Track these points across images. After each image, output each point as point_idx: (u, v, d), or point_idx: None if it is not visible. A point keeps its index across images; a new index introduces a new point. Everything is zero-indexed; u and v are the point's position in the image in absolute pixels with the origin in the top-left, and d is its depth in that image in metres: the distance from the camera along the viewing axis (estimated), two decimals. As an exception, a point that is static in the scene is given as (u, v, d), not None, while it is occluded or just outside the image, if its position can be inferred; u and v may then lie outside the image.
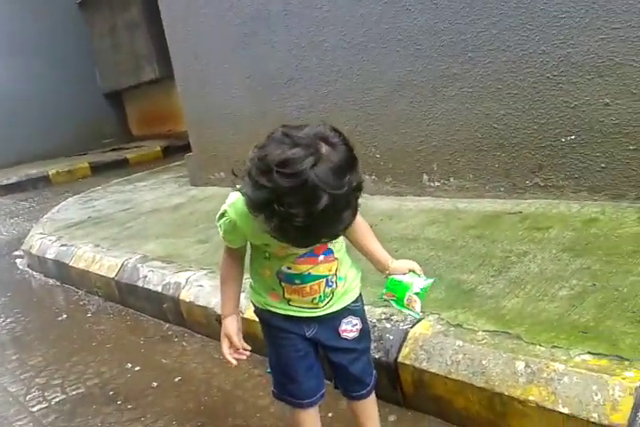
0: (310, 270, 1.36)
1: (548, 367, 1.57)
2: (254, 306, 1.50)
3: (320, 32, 3.75)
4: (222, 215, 1.34)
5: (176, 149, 8.62)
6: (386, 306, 2.08)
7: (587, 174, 2.81)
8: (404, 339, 1.90)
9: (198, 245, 3.28)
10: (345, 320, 1.47)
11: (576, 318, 1.79)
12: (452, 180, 3.36)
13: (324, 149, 1.08)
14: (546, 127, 2.88)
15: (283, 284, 1.39)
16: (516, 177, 3.06)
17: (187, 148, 5.56)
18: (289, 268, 1.36)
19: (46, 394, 2.37)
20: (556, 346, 1.65)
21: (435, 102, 3.29)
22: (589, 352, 1.58)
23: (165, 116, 10.39)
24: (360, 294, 1.52)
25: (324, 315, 1.43)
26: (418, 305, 1.49)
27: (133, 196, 5.43)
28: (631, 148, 2.64)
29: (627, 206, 2.65)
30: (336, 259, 1.40)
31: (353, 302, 1.48)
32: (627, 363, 1.50)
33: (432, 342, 1.83)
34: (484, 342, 1.75)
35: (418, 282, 1.49)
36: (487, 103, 3.06)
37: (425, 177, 3.48)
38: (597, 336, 1.66)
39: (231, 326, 1.47)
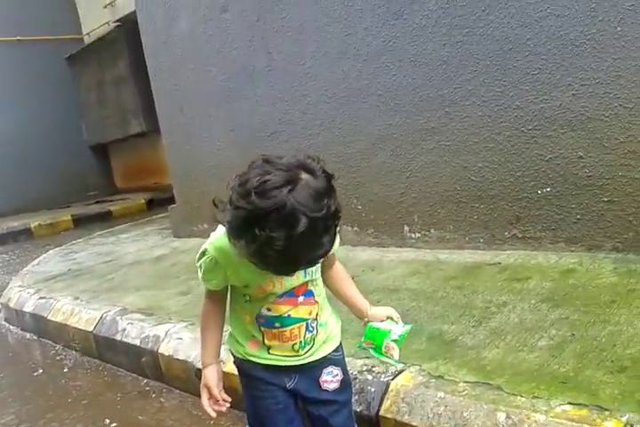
0: (290, 312, 1.36)
1: (529, 418, 1.56)
2: (234, 356, 1.48)
3: (303, 87, 3.86)
4: (203, 254, 1.34)
5: (161, 201, 8.63)
6: (367, 357, 2.07)
7: (563, 226, 2.86)
8: (386, 391, 1.88)
9: (180, 297, 3.25)
10: (326, 370, 1.46)
11: (556, 367, 1.80)
12: (432, 231, 3.40)
13: (303, 175, 1.12)
14: (522, 180, 2.95)
15: (262, 328, 1.38)
16: (495, 228, 3.11)
17: (171, 200, 5.58)
18: (269, 309, 1.35)
19: (17, 454, 2.29)
20: (536, 396, 1.65)
21: (414, 155, 3.37)
22: (570, 402, 1.58)
23: (151, 168, 10.46)
24: (340, 344, 1.52)
25: (304, 364, 1.42)
26: (396, 353, 1.50)
27: (115, 248, 5.40)
28: (605, 199, 2.70)
29: (603, 257, 2.70)
30: (316, 302, 1.40)
31: (334, 352, 1.48)
32: (607, 413, 1.50)
33: (413, 393, 1.82)
34: (465, 393, 1.74)
35: (396, 329, 1.50)
36: (465, 156, 3.14)
37: (406, 228, 3.52)
38: (577, 386, 1.66)
39: (211, 376, 1.44)
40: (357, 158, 3.67)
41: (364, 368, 2.01)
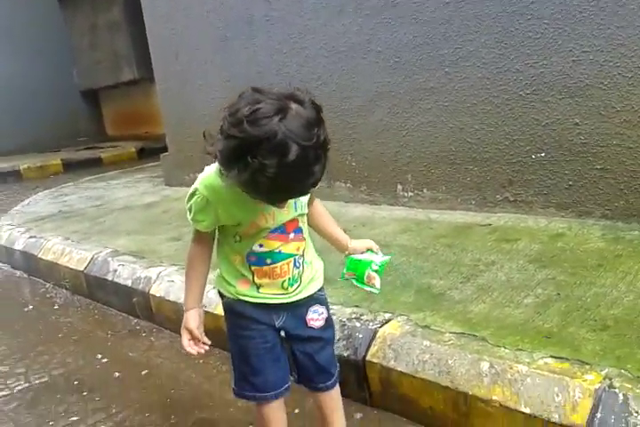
0: (281, 248, 1.39)
1: (511, 369, 1.62)
2: (222, 297, 1.50)
3: (302, 39, 3.81)
4: (192, 194, 1.35)
5: (151, 150, 8.55)
6: (356, 306, 2.14)
7: (555, 191, 2.90)
8: (373, 338, 1.94)
9: (171, 243, 3.28)
10: (312, 309, 1.50)
11: (540, 324, 1.85)
12: (425, 191, 3.43)
13: (293, 105, 1.13)
14: (517, 143, 2.98)
15: (253, 267, 1.41)
16: (487, 191, 3.15)
17: (162, 150, 5.55)
18: (261, 245, 1.38)
19: (9, 382, 2.34)
20: (520, 349, 1.71)
21: (411, 114, 3.37)
22: (552, 356, 1.64)
23: (142, 117, 10.34)
24: (323, 285, 1.55)
25: (292, 302, 1.45)
26: (377, 281, 1.55)
27: (106, 193, 5.39)
28: (598, 167, 2.74)
29: (592, 224, 2.75)
30: (304, 239, 1.44)
31: (318, 291, 1.51)
32: (587, 367, 1.56)
33: (400, 341, 1.88)
34: (450, 342, 1.80)
35: (376, 259, 1.56)
36: (462, 117, 3.15)
37: (399, 187, 3.55)
38: (560, 341, 1.72)
39: (192, 319, 1.47)
40: (354, 115, 3.66)
41: (353, 316, 2.07)
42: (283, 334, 1.51)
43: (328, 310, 1.55)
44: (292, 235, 1.40)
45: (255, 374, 1.49)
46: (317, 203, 1.55)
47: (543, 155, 2.89)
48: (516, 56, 2.88)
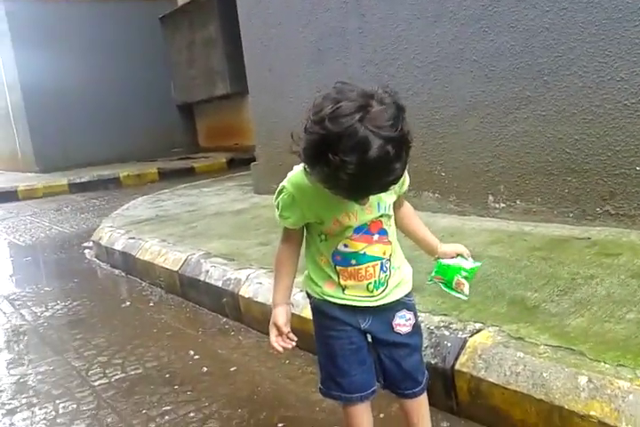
0: (365, 250, 1.39)
1: (612, 384, 1.54)
2: (310, 297, 1.52)
3: (394, 50, 3.83)
4: (280, 191, 1.39)
5: (240, 161, 8.85)
6: (444, 314, 2.10)
7: (661, 205, 2.75)
8: (463, 347, 1.90)
9: (259, 247, 3.35)
10: (399, 314, 1.48)
11: (644, 340, 1.76)
12: (518, 202, 3.34)
13: (375, 104, 1.15)
14: (620, 155, 2.85)
15: (338, 268, 1.42)
16: (586, 203, 3.02)
17: (250, 161, 5.75)
18: (346, 245, 1.39)
19: (107, 371, 2.46)
20: (621, 365, 1.62)
21: (506, 124, 3.30)
22: (657, 373, 1.55)
23: (233, 130, 10.70)
24: (412, 291, 1.54)
25: (378, 306, 1.45)
26: (466, 288, 1.52)
27: (199, 199, 5.60)
28: None
29: (701, 240, 2.59)
30: (390, 242, 1.43)
31: (406, 296, 1.50)
32: (696, 386, 1.47)
33: (491, 351, 1.82)
34: (545, 355, 1.74)
35: (466, 265, 1.52)
36: (560, 127, 3.05)
37: (490, 198, 3.47)
38: (666, 359, 1.63)
39: (280, 315, 1.49)
40: (445, 125, 3.63)
41: (442, 324, 2.03)
42: (369, 338, 1.50)
43: (416, 316, 1.53)
44: (376, 236, 1.40)
45: (341, 375, 1.49)
46: (407, 206, 1.55)
47: (648, 166, 2.76)
48: (621, 64, 2.76)
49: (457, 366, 1.86)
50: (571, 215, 3.09)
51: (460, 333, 1.96)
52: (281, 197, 1.38)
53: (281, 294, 1.51)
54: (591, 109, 2.92)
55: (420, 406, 1.58)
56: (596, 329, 1.87)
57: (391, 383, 1.55)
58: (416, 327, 1.53)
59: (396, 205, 1.49)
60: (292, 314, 2.10)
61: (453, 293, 1.54)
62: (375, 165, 1.12)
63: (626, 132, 2.81)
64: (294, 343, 1.51)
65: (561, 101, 3.03)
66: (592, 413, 1.52)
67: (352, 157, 1.11)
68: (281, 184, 1.39)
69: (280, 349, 1.49)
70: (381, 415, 1.89)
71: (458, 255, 1.55)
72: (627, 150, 2.82)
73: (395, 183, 1.23)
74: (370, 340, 1.51)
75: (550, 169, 3.14)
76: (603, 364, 1.64)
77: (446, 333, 1.98)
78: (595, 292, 2.18)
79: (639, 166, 2.78)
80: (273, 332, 1.50)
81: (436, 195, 3.76)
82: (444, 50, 3.53)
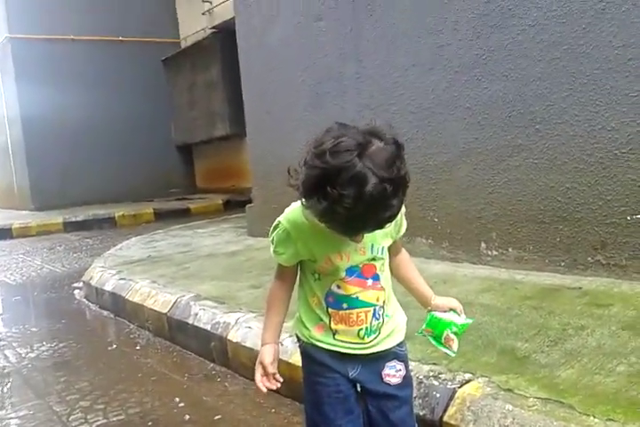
0: (358, 294, 1.38)
1: (602, 440, 1.51)
2: (299, 341, 1.50)
3: (390, 96, 3.90)
4: (276, 227, 1.39)
5: (237, 203, 8.89)
6: (434, 363, 2.07)
7: (652, 255, 2.75)
8: (452, 398, 1.86)
9: (251, 290, 3.33)
10: (389, 364, 1.46)
11: (634, 394, 1.73)
12: (510, 250, 3.33)
13: (375, 141, 1.17)
14: (611, 204, 2.87)
15: (330, 310, 1.40)
16: (578, 253, 3.02)
17: (246, 203, 5.77)
18: (339, 287, 1.38)
19: (89, 417, 2.39)
20: (611, 419, 1.59)
21: (498, 171, 3.33)
22: (647, 429, 1.52)
23: (231, 171, 10.79)
24: (404, 341, 1.51)
25: (369, 354, 1.42)
26: (455, 344, 1.50)
27: (193, 240, 5.59)
28: (700, 231, 2.59)
29: (693, 291, 2.58)
30: (383, 289, 1.42)
31: (398, 346, 1.47)
32: (687, 443, 1.44)
33: (480, 403, 1.79)
34: (534, 408, 1.70)
35: (458, 321, 1.51)
36: (552, 175, 3.08)
37: (483, 245, 3.47)
38: (657, 414, 1.59)
39: (267, 354, 1.47)
40: (439, 171, 3.66)
41: (431, 374, 2.00)
42: (359, 388, 1.47)
43: (407, 367, 1.50)
44: (369, 281, 1.39)
45: (326, 424, 1.45)
46: (404, 253, 1.55)
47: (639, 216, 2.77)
48: (612, 114, 2.81)
49: (445, 418, 1.83)
50: (562, 264, 3.09)
51: (450, 383, 1.93)
52: (276, 232, 1.39)
53: (270, 333, 1.49)
54: (582, 158, 2.95)
55: None
56: (585, 381, 1.84)
57: None
58: (407, 379, 1.50)
59: (393, 252, 1.49)
60: (281, 360, 2.07)
61: (441, 347, 1.52)
62: (372, 200, 1.13)
63: (617, 181, 2.83)
64: (279, 384, 1.48)
65: (553, 150, 3.07)
66: (582, 470, 1.49)
67: (350, 190, 1.12)
68: (277, 219, 1.39)
69: (264, 389, 1.46)
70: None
71: (451, 310, 1.53)
72: (617, 200, 2.84)
73: (390, 221, 1.23)
74: (359, 389, 1.47)
75: (542, 217, 3.15)
76: (592, 418, 1.61)
77: (435, 383, 1.95)
78: (585, 343, 2.15)
79: (630, 216, 2.80)
80: (258, 371, 1.47)
81: (429, 241, 3.76)
82: (439, 97, 3.59)
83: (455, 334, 1.50)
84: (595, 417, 1.61)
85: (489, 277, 3.20)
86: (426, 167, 3.71)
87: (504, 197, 3.32)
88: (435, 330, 1.52)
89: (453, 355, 1.54)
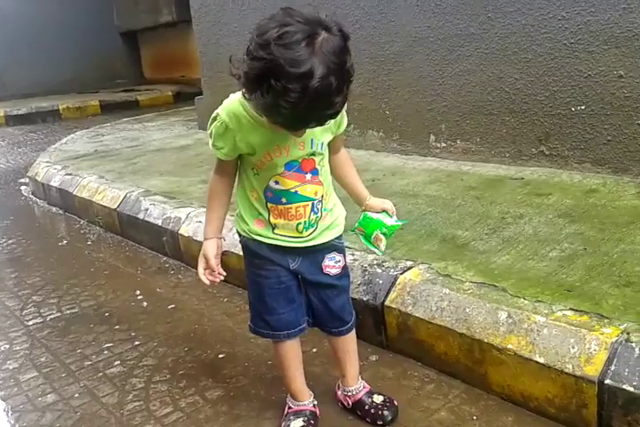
0: (297, 189, 1.38)
1: (529, 319, 1.62)
2: (240, 236, 1.51)
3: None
4: (214, 119, 1.35)
5: (187, 95, 8.56)
6: (379, 253, 2.14)
7: (592, 146, 2.82)
8: (393, 284, 1.95)
9: (201, 185, 3.31)
10: (329, 256, 1.50)
11: (563, 277, 1.84)
12: (458, 142, 3.37)
13: (322, 31, 1.12)
14: (557, 95, 2.88)
15: (269, 204, 1.41)
16: (523, 144, 3.08)
17: (198, 94, 5.55)
18: (277, 182, 1.37)
19: (42, 311, 2.45)
20: (539, 300, 1.70)
21: (450, 61, 3.28)
22: (572, 309, 1.63)
23: (180, 61, 10.30)
24: (342, 234, 1.55)
25: (308, 246, 1.46)
26: (383, 244, 1.55)
27: (141, 134, 5.46)
28: (639, 122, 2.64)
29: (628, 181, 2.68)
30: (321, 183, 1.42)
31: (336, 239, 1.51)
32: (606, 321, 1.55)
33: (420, 288, 1.89)
34: (469, 291, 1.80)
35: (388, 222, 1.55)
36: (502, 66, 3.05)
37: (432, 137, 3.49)
38: (581, 295, 1.70)
39: (210, 247, 1.48)
40: (390, 61, 3.58)
41: (375, 262, 2.08)
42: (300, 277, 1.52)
43: (345, 258, 1.55)
44: (308, 176, 1.39)
45: (269, 313, 1.51)
46: (344, 152, 1.54)
47: (583, 108, 2.80)
48: (563, 3, 2.75)
49: (387, 303, 1.92)
50: (507, 155, 3.15)
51: (392, 270, 2.01)
52: (214, 125, 1.34)
53: (212, 227, 1.49)
54: (532, 48, 2.92)
55: (346, 344, 1.63)
56: (519, 266, 1.94)
57: (319, 322, 1.59)
58: (345, 269, 1.55)
59: (333, 149, 1.48)
60: (232, 253, 2.12)
61: (370, 246, 1.57)
62: (317, 95, 1.09)
63: (564, 72, 2.83)
64: (222, 277, 1.51)
65: (503, 39, 3.01)
66: (509, 346, 1.61)
67: (295, 84, 1.07)
68: (215, 111, 1.35)
69: (207, 282, 1.50)
70: (314, 350, 1.95)
71: (383, 211, 1.56)
72: (563, 91, 2.85)
73: (333, 117, 1.21)
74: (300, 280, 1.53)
75: (490, 109, 3.16)
76: (522, 300, 1.72)
77: (379, 270, 2.03)
78: (522, 230, 2.25)
79: (574, 108, 2.83)
80: (201, 264, 1.50)
81: (380, 133, 3.75)
82: (391, -18, 3.43)
83: (384, 234, 1.54)
84: (525, 299, 1.71)
85: (436, 168, 3.26)
86: (378, 57, 3.62)
87: (454, 88, 3.30)
88: (366, 229, 1.56)
89: (381, 254, 1.61)
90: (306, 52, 1.08)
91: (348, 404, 1.65)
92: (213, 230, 1.50)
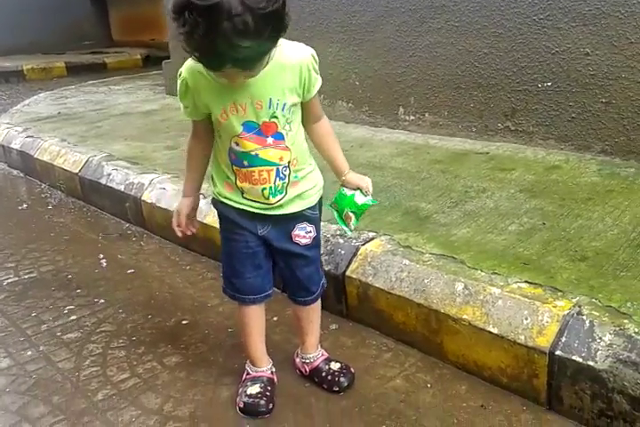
0: (258, 152, 1.36)
1: (484, 290, 1.66)
2: (213, 198, 1.52)
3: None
4: (178, 77, 1.35)
5: (157, 59, 8.30)
6: (342, 223, 2.15)
7: (557, 123, 2.86)
8: (355, 254, 1.97)
9: (166, 151, 3.27)
10: (299, 225, 1.49)
11: (520, 251, 1.88)
12: (426, 115, 3.37)
13: None
14: (525, 71, 2.90)
15: (234, 168, 1.40)
16: (489, 119, 3.10)
17: (168, 58, 5.39)
18: (237, 144, 1.36)
19: (-1, 275, 2.42)
20: (496, 273, 1.73)
21: (420, 33, 3.26)
22: (527, 281, 1.67)
23: (150, 23, 9.99)
24: (319, 204, 1.53)
25: (278, 215, 1.45)
26: (352, 222, 1.54)
27: (107, 98, 5.33)
28: (603, 100, 2.68)
29: (590, 158, 2.73)
30: (288, 148, 1.39)
31: (310, 209, 1.49)
32: (560, 294, 1.59)
33: (380, 259, 1.91)
34: (429, 263, 1.83)
35: (359, 200, 1.53)
36: (471, 40, 3.05)
37: (401, 110, 3.49)
38: (537, 268, 1.75)
39: (185, 205, 1.54)
40: (362, 31, 3.54)
41: (337, 233, 2.09)
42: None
43: (318, 230, 1.54)
44: (269, 139, 1.36)
45: (236, 277, 1.53)
46: (325, 122, 1.50)
47: (549, 84, 2.82)
48: (534, -22, 2.74)
49: (348, 273, 1.94)
50: (474, 130, 3.17)
51: (354, 241, 2.02)
52: (178, 83, 1.34)
53: (189, 186, 1.54)
54: (502, 23, 2.91)
55: (310, 314, 1.65)
56: (478, 239, 1.98)
57: (287, 289, 1.62)
58: (316, 240, 1.54)
59: (311, 118, 1.45)
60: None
61: (341, 224, 1.56)
62: (227, 32, 1.06)
63: (532, 48, 2.84)
64: (194, 230, 1.58)
65: (474, 13, 3.00)
66: (464, 316, 1.64)
67: (204, 18, 1.05)
68: (179, 69, 1.34)
69: (179, 233, 1.56)
70: (275, 318, 1.97)
71: (358, 189, 1.53)
72: (531, 67, 2.86)
73: (247, 62, 1.17)
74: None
75: (459, 83, 3.16)
76: (479, 272, 1.75)
77: (341, 241, 2.05)
78: (484, 204, 2.29)
79: (541, 84, 2.85)
80: (175, 219, 1.56)
81: (350, 104, 3.73)
82: (363, -51, 3.38)
83: (354, 213, 1.53)
84: (482, 271, 1.75)
85: (404, 141, 3.27)
86: (349, 27, 3.57)
87: (424, 60, 3.29)
88: (339, 206, 1.54)
89: (349, 233, 1.60)
90: None
91: (306, 371, 1.68)
92: (189, 190, 1.55)
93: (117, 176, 2.99)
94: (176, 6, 1.09)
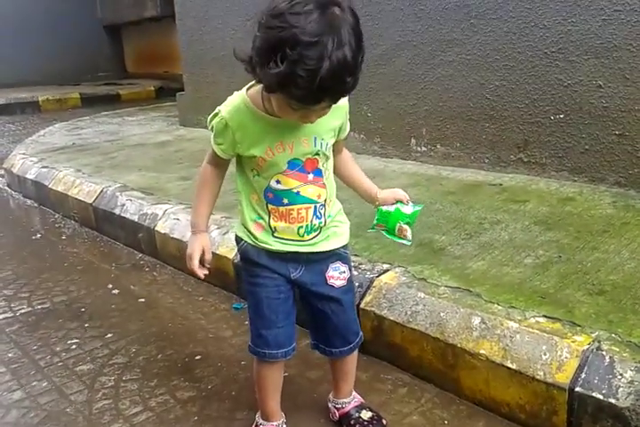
0: (299, 189, 1.34)
1: (502, 325, 1.63)
2: (238, 243, 1.46)
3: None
4: (214, 115, 1.32)
5: (170, 90, 8.50)
6: (355, 255, 2.14)
7: (570, 155, 2.86)
8: (369, 287, 1.96)
9: (180, 182, 3.29)
10: (333, 266, 1.44)
11: (537, 284, 1.85)
12: (438, 146, 3.39)
13: (334, 7, 1.08)
14: (537, 103, 2.91)
15: (270, 206, 1.36)
16: (502, 150, 3.11)
17: (180, 90, 5.51)
18: (278, 182, 1.32)
19: (12, 305, 2.40)
20: (513, 307, 1.71)
21: (432, 66, 3.30)
22: (544, 315, 1.64)
23: (163, 56, 10.22)
24: (348, 243, 1.49)
25: (311, 253, 1.40)
26: (409, 233, 1.49)
27: (121, 128, 5.41)
28: (616, 133, 2.68)
29: (604, 190, 2.72)
30: (325, 186, 1.37)
31: (342, 247, 1.45)
32: (578, 328, 1.56)
33: (395, 291, 1.89)
34: (444, 296, 1.81)
35: (407, 211, 1.49)
36: (483, 72, 3.08)
37: (413, 141, 3.51)
38: (555, 302, 1.72)
39: (204, 243, 1.43)
40: (374, 64, 3.57)
41: (352, 264, 2.06)
42: (298, 291, 1.46)
43: (351, 270, 1.50)
44: (310, 176, 1.34)
45: (267, 327, 1.43)
46: (346, 152, 1.50)
47: (562, 116, 2.84)
48: (545, 11, 2.78)
49: (362, 305, 1.92)
50: (486, 161, 3.17)
51: (368, 273, 2.01)
52: (215, 120, 1.31)
53: (204, 219, 1.44)
54: (513, 56, 2.95)
55: (345, 364, 1.57)
56: (494, 272, 1.96)
57: (320, 341, 1.53)
58: (350, 283, 1.49)
59: (336, 151, 1.44)
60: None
61: (397, 239, 1.50)
62: (332, 66, 1.04)
63: (544, 80, 2.86)
64: (206, 271, 1.45)
65: (485, 46, 3.04)
66: (481, 351, 1.62)
67: (311, 52, 1.03)
68: (217, 108, 1.32)
69: (202, 276, 1.44)
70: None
71: (397, 202, 1.51)
72: (543, 99, 2.88)
73: (345, 94, 1.17)
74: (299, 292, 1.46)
75: (470, 114, 3.18)
76: (496, 305, 1.73)
77: (355, 272, 2.02)
78: (498, 236, 2.27)
79: (553, 116, 2.86)
80: (196, 257, 1.42)
81: (362, 136, 3.76)
82: (377, -16, 3.44)
83: (407, 223, 1.48)
84: (498, 304, 1.73)
85: (416, 172, 3.27)
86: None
87: (436, 92, 3.32)
88: (387, 224, 1.50)
89: (409, 244, 1.53)
90: (320, 21, 1.04)
91: (336, 415, 1.61)
92: (201, 224, 1.44)
93: (131, 207, 3.01)
94: (270, 45, 1.07)
